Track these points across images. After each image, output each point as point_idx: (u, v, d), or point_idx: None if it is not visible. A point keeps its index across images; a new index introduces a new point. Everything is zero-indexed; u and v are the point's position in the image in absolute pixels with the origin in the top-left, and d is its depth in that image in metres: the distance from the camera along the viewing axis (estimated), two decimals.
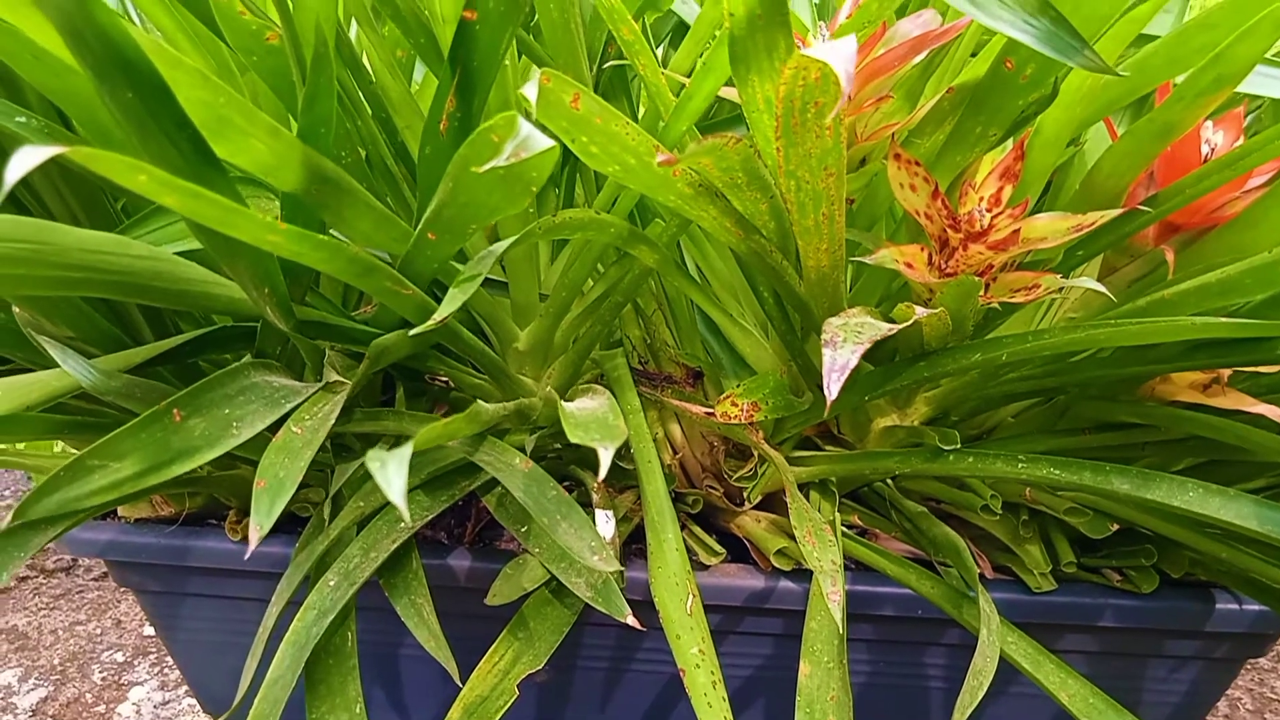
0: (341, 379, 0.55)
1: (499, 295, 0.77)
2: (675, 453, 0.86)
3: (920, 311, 0.53)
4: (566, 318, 0.78)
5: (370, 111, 0.72)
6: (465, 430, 0.56)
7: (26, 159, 0.28)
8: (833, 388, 0.42)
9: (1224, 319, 0.53)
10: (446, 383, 0.83)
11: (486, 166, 0.36)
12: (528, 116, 0.52)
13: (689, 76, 0.67)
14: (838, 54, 0.34)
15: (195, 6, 0.65)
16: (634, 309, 0.84)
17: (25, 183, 0.57)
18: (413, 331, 0.46)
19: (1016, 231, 0.60)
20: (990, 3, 0.49)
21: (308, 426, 0.51)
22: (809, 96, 0.42)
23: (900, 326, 0.50)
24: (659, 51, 0.90)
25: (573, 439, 0.43)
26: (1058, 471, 0.63)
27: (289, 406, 0.53)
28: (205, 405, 0.48)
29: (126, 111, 0.37)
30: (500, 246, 0.53)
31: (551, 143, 0.36)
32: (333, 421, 0.52)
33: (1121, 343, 0.57)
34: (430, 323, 0.47)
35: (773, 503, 0.84)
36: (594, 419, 0.48)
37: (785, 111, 0.42)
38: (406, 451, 0.32)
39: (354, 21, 0.70)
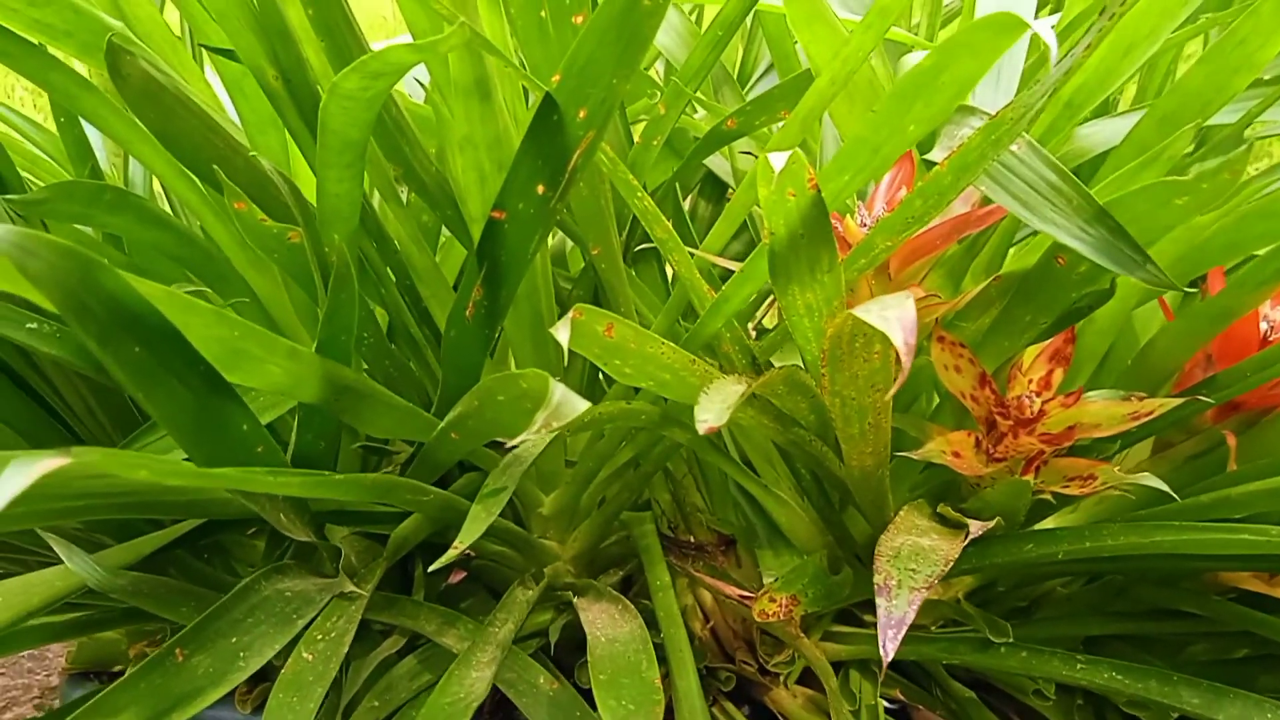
0: (356, 590, 0.52)
1: None
2: (707, 620, 0.82)
3: (976, 527, 0.50)
4: (593, 483, 0.75)
5: (394, 279, 0.70)
6: None
7: (17, 479, 0.25)
8: (888, 646, 0.39)
9: None
10: (468, 552, 0.79)
11: (515, 441, 0.33)
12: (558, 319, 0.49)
13: (721, 255, 0.65)
14: (898, 322, 0.31)
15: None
16: (663, 472, 0.81)
17: (56, 393, 0.55)
18: (431, 567, 0.43)
19: (1072, 428, 0.57)
20: (1041, 205, 0.46)
21: (320, 651, 0.48)
22: (858, 330, 0.39)
23: (959, 548, 0.47)
24: (687, 204, 0.89)
25: (604, 713, 0.40)
26: (1120, 677, 0.59)
27: (301, 624, 0.50)
28: (211, 638, 0.45)
29: (132, 367, 0.35)
30: (527, 452, 0.50)
31: (585, 406, 0.33)
32: (348, 642, 0.49)
33: (1187, 550, 0.53)
34: (451, 554, 0.44)
35: (809, 676, 0.80)
36: (625, 666, 0.45)
37: (833, 346, 0.39)
38: None
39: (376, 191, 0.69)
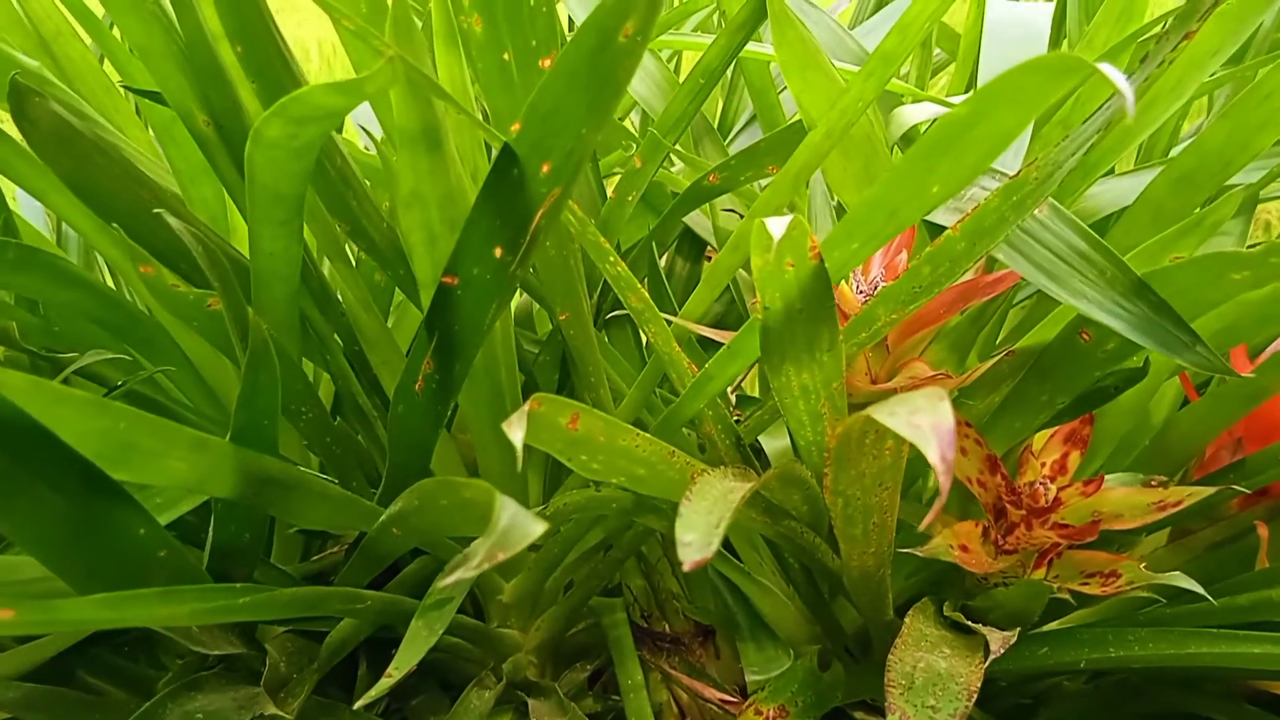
0: (279, 713, 0.45)
1: None
2: (683, 717, 0.75)
3: (996, 643, 0.43)
4: (559, 568, 0.68)
5: (341, 344, 0.64)
6: None
7: None
8: None
9: None
10: None
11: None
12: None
13: (701, 319, 0.59)
14: (932, 432, 0.25)
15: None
16: (636, 555, 0.75)
17: None
18: (361, 701, 0.36)
19: (1096, 521, 0.51)
20: (1069, 276, 0.41)
21: None
22: (869, 426, 0.33)
23: (980, 672, 0.40)
24: (663, 261, 0.83)
25: None
26: None
27: None
28: None
29: None
30: (478, 556, 0.43)
31: (539, 529, 0.27)
32: None
33: (1228, 664, 0.47)
34: (384, 684, 0.37)
35: None
36: None
37: (840, 444, 0.33)
38: None
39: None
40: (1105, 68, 0.24)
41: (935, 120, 0.56)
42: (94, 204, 0.53)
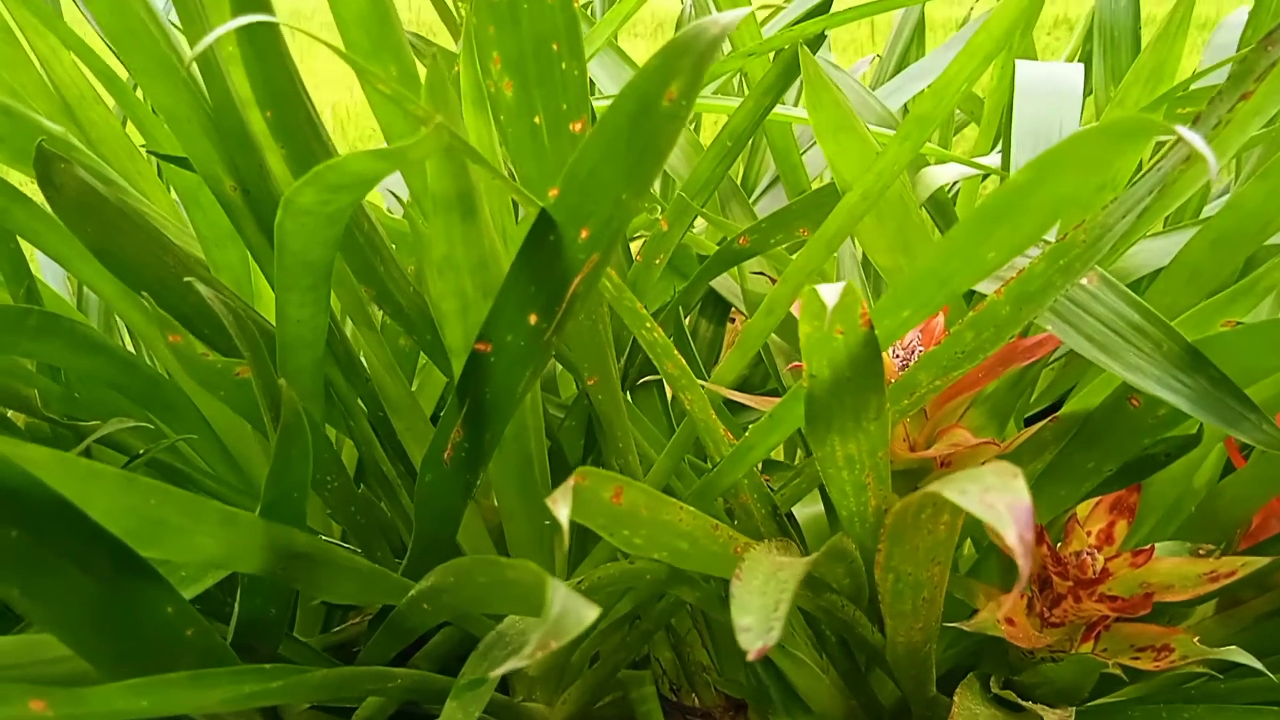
0: None
1: None
2: None
3: None
4: (586, 639, 0.66)
5: (365, 410, 0.63)
6: None
7: None
8: None
9: None
10: None
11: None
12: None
13: (730, 386, 0.58)
14: (1009, 513, 0.23)
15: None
16: (665, 627, 0.73)
17: None
18: None
19: (1149, 594, 0.49)
20: (1123, 349, 0.39)
21: None
22: (928, 501, 0.31)
23: None
24: (687, 322, 0.82)
25: None
26: None
27: None
28: None
29: (8, 556, 0.27)
30: (531, 645, 0.42)
31: (593, 615, 0.25)
32: None
33: None
34: None
35: None
36: None
37: (896, 520, 0.32)
38: None
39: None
40: (1184, 131, 0.23)
41: (964, 179, 0.55)
42: (119, 271, 0.53)
